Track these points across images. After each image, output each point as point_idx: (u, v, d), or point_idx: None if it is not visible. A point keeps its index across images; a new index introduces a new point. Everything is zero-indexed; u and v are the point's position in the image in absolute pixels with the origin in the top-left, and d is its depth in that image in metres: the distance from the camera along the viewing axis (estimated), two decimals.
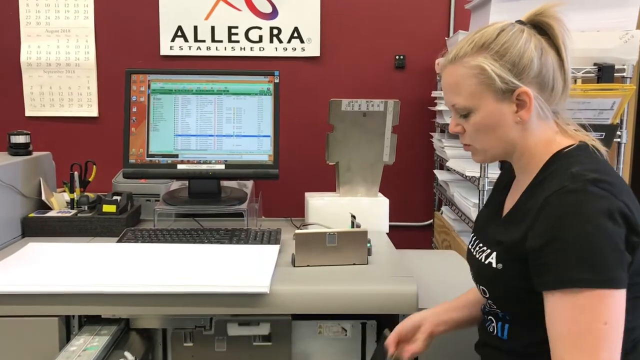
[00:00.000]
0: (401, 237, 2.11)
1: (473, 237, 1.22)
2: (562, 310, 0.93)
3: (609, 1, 1.80)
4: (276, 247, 1.62)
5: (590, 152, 1.05)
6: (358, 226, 1.66)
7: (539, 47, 1.05)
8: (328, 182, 2.07)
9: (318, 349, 1.50)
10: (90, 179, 1.98)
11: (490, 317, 1.16)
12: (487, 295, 1.12)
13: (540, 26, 1.08)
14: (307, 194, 2.00)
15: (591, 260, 0.91)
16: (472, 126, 1.09)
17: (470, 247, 1.21)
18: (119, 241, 1.69)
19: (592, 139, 1.08)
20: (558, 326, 0.94)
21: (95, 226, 1.80)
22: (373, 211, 1.91)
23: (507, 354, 1.11)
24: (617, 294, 0.91)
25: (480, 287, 1.13)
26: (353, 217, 1.68)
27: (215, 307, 1.37)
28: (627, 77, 1.83)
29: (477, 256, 1.14)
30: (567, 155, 1.04)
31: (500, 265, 1.06)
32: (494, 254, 1.08)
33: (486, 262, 1.10)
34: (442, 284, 1.60)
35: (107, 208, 1.82)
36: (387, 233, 1.91)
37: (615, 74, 1.80)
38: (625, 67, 1.82)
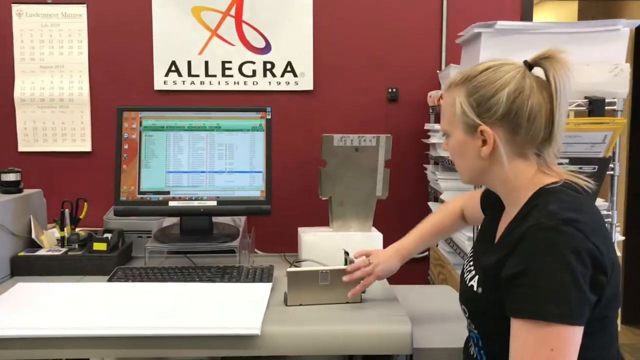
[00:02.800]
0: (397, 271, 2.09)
1: (468, 257, 1.28)
2: (519, 336, 1.01)
3: (598, 35, 1.82)
4: (268, 286, 1.60)
5: (572, 190, 1.09)
6: (351, 262, 1.64)
7: (527, 89, 1.08)
8: (322, 216, 2.06)
9: None
10: (81, 217, 1.96)
11: (471, 338, 1.23)
12: (467, 315, 1.19)
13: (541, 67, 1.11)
14: (300, 229, 1.98)
15: (553, 296, 0.97)
16: (449, 148, 1.21)
17: (463, 267, 1.28)
18: (109, 280, 1.66)
19: (576, 176, 1.11)
20: (513, 349, 1.01)
21: (86, 265, 1.78)
22: (367, 246, 1.89)
23: None
24: (571, 330, 0.97)
25: (462, 306, 1.21)
26: (346, 253, 1.66)
27: (205, 349, 1.34)
28: (617, 110, 1.84)
29: (464, 276, 1.22)
30: (548, 192, 1.09)
31: (480, 289, 1.13)
32: (477, 277, 1.16)
33: (469, 284, 1.17)
34: (438, 322, 1.58)
35: (97, 246, 1.80)
36: None
37: (606, 107, 1.81)
38: (615, 100, 1.83)
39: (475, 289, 1.14)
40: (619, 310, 1.16)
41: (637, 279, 4.34)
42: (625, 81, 1.82)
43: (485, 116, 1.09)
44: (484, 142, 1.11)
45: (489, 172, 1.15)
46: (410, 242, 1.58)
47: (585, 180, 1.11)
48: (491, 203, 1.28)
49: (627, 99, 1.93)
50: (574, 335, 0.97)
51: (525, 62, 1.13)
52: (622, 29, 1.83)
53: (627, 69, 1.82)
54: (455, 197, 1.61)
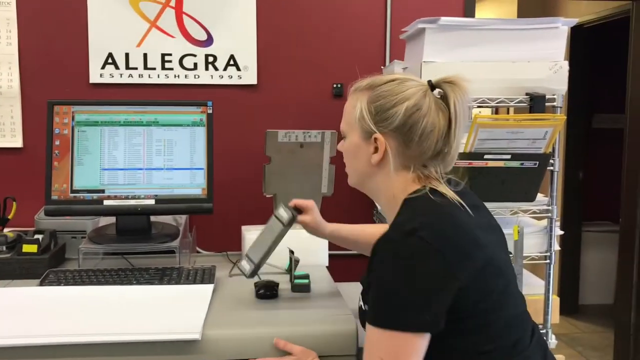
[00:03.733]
0: (342, 266, 2.08)
1: None
2: (366, 341, 1.06)
3: (539, 33, 1.84)
4: (210, 287, 1.55)
5: (426, 199, 1.10)
6: (297, 261, 1.61)
7: (425, 108, 1.12)
8: (266, 214, 2.01)
9: None
10: (9, 217, 1.86)
11: None
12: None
13: (442, 90, 1.16)
14: (243, 228, 1.93)
15: (390, 304, 1.02)
16: (343, 149, 1.25)
17: None
18: (40, 284, 1.57)
19: (441, 184, 1.14)
20: None
21: (15, 268, 1.68)
22: (312, 244, 1.86)
23: None
24: (405, 336, 1.01)
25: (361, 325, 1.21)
26: (291, 252, 1.63)
27: (143, 355, 1.28)
28: (557, 107, 1.87)
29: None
30: (408, 203, 1.12)
31: (366, 307, 1.14)
32: (362, 294, 1.18)
33: (359, 303, 1.19)
34: None
35: (27, 248, 1.70)
36: (327, 266, 1.87)
37: (546, 104, 1.84)
38: (555, 97, 1.86)
39: (362, 307, 1.16)
40: (523, 296, 1.19)
41: (573, 272, 4.50)
42: (564, 78, 1.85)
43: (381, 125, 1.14)
44: (376, 149, 1.15)
45: (373, 179, 1.19)
46: (335, 227, 1.59)
47: (448, 189, 1.14)
48: None
49: (565, 96, 1.96)
50: (410, 341, 1.01)
51: (429, 82, 1.17)
52: (561, 27, 1.86)
53: (565, 66, 1.85)
54: None
